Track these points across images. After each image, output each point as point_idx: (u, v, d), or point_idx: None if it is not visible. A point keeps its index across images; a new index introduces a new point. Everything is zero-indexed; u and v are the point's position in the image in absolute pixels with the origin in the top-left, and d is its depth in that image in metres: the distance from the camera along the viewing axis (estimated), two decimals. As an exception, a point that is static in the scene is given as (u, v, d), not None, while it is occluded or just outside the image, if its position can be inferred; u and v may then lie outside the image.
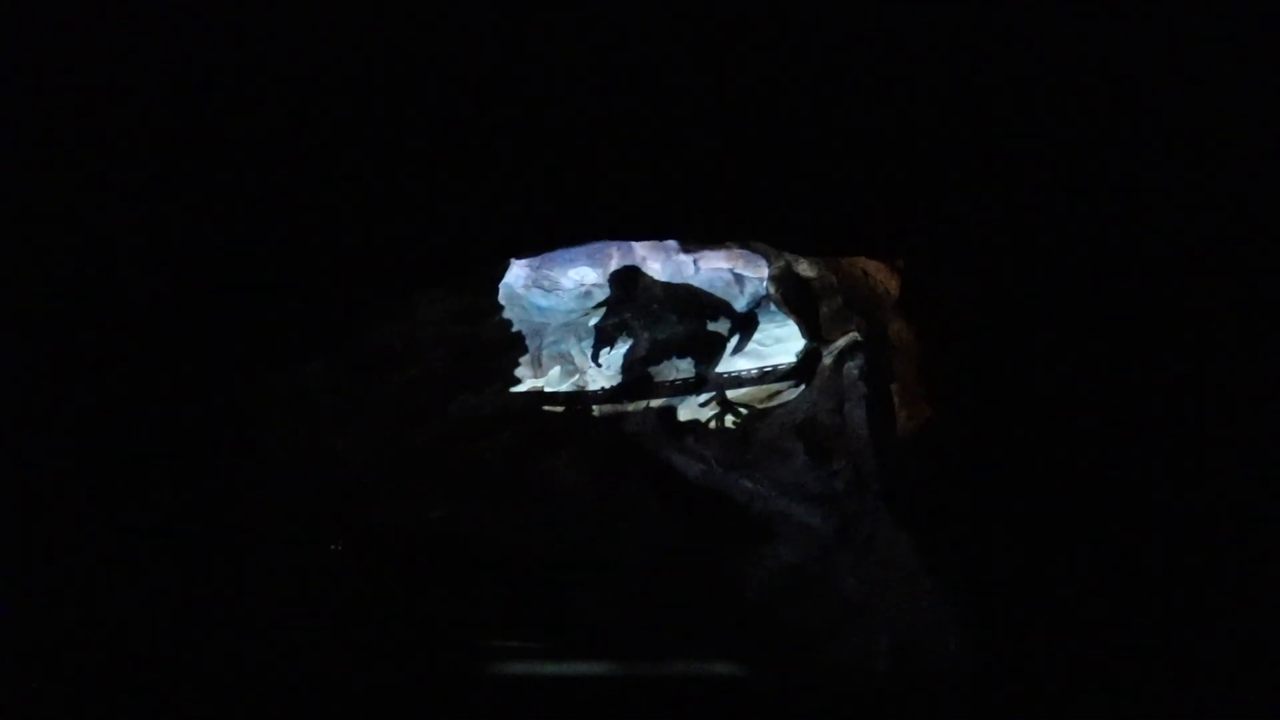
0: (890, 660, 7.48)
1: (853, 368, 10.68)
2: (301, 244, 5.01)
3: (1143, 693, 4.63)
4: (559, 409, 13.31)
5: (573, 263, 16.27)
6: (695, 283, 15.98)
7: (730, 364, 14.96)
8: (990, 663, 6.21)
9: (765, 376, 13.94)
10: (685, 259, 15.68)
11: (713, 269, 15.84)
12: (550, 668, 7.72)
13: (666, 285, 15.82)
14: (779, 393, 13.35)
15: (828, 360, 11.64)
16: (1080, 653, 5.10)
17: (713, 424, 12.96)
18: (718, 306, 15.79)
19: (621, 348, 15.28)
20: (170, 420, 5.40)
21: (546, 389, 15.06)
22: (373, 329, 10.06)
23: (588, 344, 15.97)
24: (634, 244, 15.77)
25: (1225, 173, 3.94)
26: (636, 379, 14.30)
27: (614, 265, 16.24)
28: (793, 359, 13.73)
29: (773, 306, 14.44)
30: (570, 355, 16.22)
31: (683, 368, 14.71)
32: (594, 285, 16.57)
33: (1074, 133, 4.23)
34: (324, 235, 5.06)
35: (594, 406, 13.49)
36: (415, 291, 9.65)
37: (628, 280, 15.78)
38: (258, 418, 7.62)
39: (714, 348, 15.14)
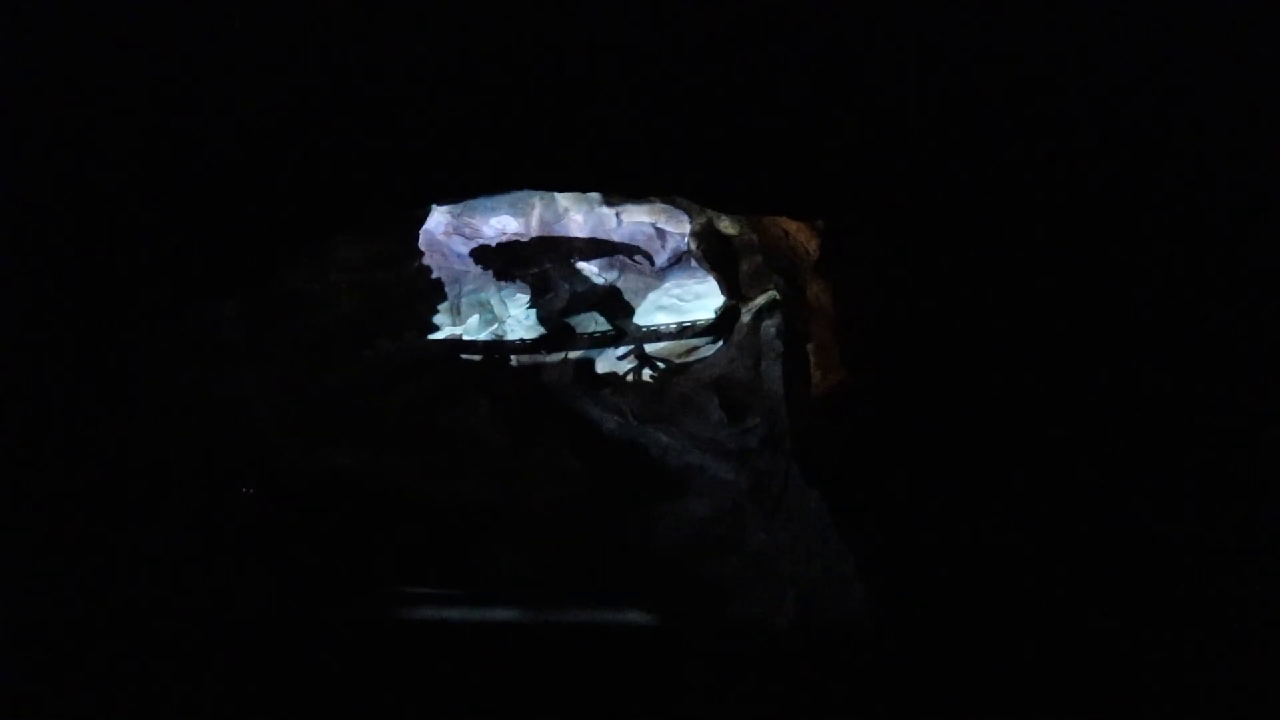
0: (795, 613, 7.67)
1: (770, 326, 10.81)
2: (216, 184, 4.87)
3: (1042, 647, 4.84)
4: (476, 358, 13.22)
5: (494, 211, 16.01)
6: (617, 236, 15.91)
7: (649, 318, 14.99)
8: (892, 618, 6.41)
9: (683, 332, 14.01)
10: (608, 212, 15.58)
11: (635, 223, 15.77)
12: (461, 617, 7.74)
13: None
14: (697, 348, 13.45)
15: (746, 318, 11.76)
16: (979, 607, 5.30)
17: (630, 377, 13.02)
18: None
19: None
20: (81, 361, 5.24)
21: (464, 337, 14.91)
22: (288, 272, 9.84)
23: (508, 293, 15.82)
24: (556, 195, 15.61)
25: (1147, 134, 4.07)
26: (555, 330, 14.25)
27: (536, 215, 16.06)
28: (711, 315, 13.83)
29: (693, 262, 14.49)
30: (489, 304, 16.06)
31: (601, 320, 14.70)
32: (515, 234, 16.37)
33: (995, 96, 4.31)
34: (239, 176, 4.92)
35: (512, 356, 13.42)
36: (332, 235, 9.46)
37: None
38: (169, 360, 7.43)
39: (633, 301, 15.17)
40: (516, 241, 16.03)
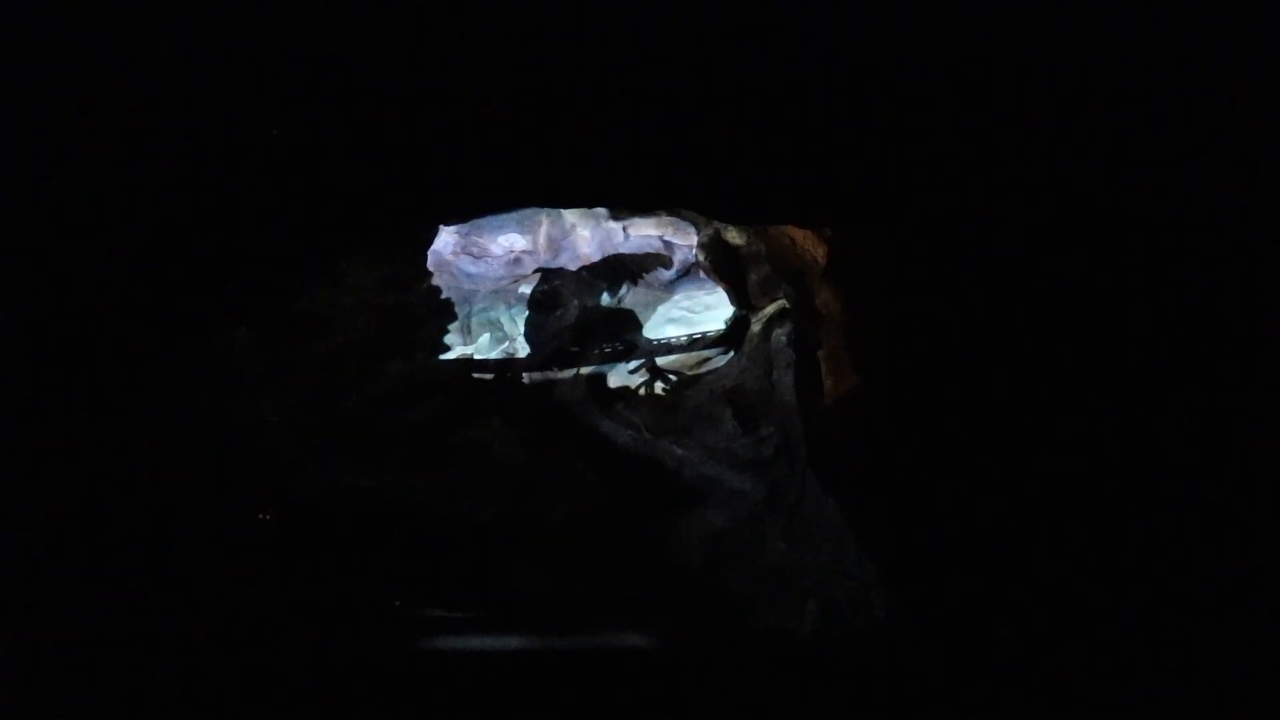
0: (817, 623, 7.63)
1: (780, 335, 10.78)
2: (227, 210, 4.90)
3: (1058, 652, 4.80)
4: (488, 376, 13.24)
5: (502, 229, 16.06)
6: (624, 250, 15.94)
7: (660, 331, 15.00)
8: (913, 626, 6.37)
9: (694, 343, 14.00)
10: (615, 226, 15.61)
11: (642, 236, 15.80)
12: (480, 633, 7.73)
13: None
14: (708, 360, 13.43)
15: (756, 328, 11.74)
16: (1000, 613, 5.26)
17: (642, 391, 13.01)
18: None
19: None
20: (97, 388, 5.27)
21: (476, 356, 14.95)
22: (299, 295, 9.87)
23: (517, 311, 15.87)
24: (564, 211, 15.64)
25: (1155, 140, 4.06)
26: (566, 346, 14.27)
27: (544, 232, 16.12)
28: (721, 326, 13.81)
29: (701, 274, 14.49)
30: (500, 322, 16.11)
31: (612, 335, 14.71)
32: (523, 252, 16.42)
33: (1001, 103, 4.31)
34: (250, 202, 4.95)
35: (524, 374, 13.44)
36: (342, 258, 9.50)
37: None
38: (184, 385, 7.46)
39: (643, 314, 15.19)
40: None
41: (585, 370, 13.33)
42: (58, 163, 4.18)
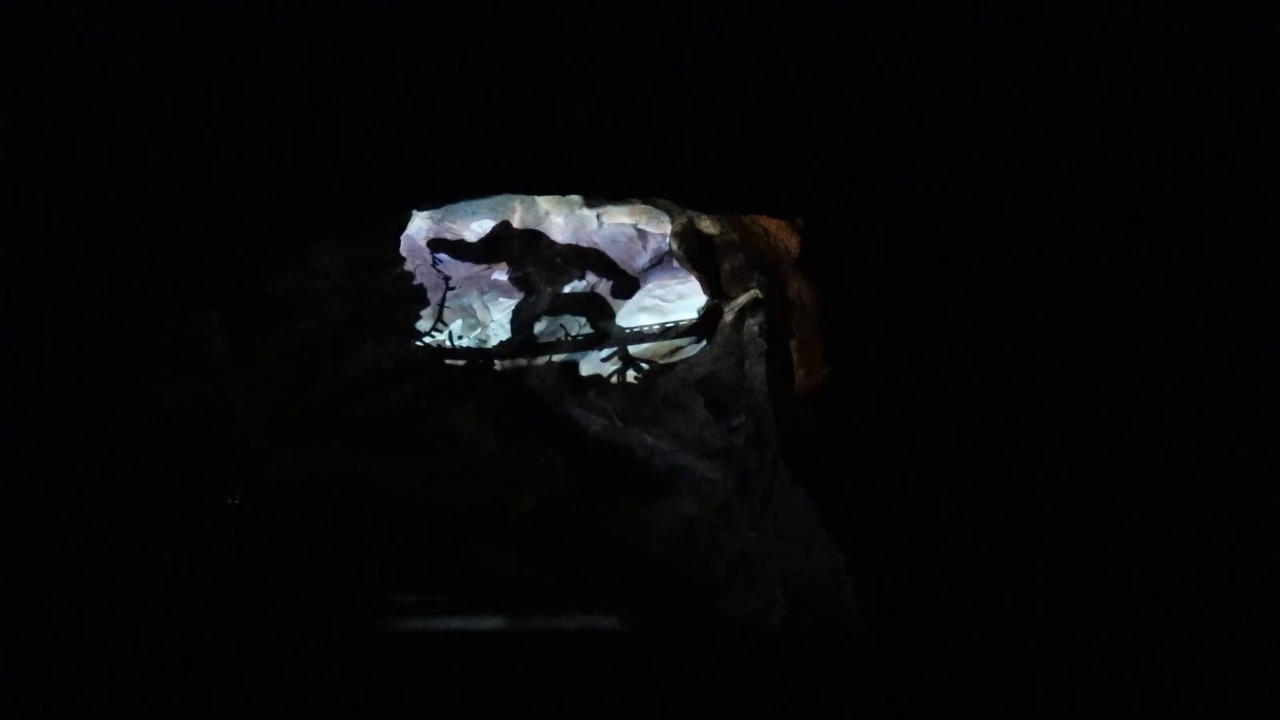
0: (786, 612, 7.69)
1: (753, 325, 10.82)
2: (195, 190, 4.86)
3: (1034, 643, 4.87)
4: (460, 363, 13.19)
5: (475, 215, 15.98)
6: (598, 238, 15.90)
7: (632, 319, 15.00)
8: (883, 616, 6.44)
9: (667, 332, 14.00)
10: (588, 214, 15.56)
11: (616, 224, 15.75)
12: (450, 621, 7.73)
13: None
14: (680, 348, 13.45)
15: (729, 317, 11.76)
16: (970, 602, 5.33)
17: (614, 379, 12.99)
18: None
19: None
20: (63, 374, 5.21)
21: (448, 343, 14.88)
22: (269, 279, 9.80)
23: (490, 297, 15.80)
24: (537, 198, 15.58)
25: (1130, 131, 4.11)
26: (538, 333, 14.24)
27: (517, 219, 16.05)
28: (694, 315, 13.83)
29: (674, 262, 14.50)
30: (472, 309, 16.03)
31: (584, 322, 14.69)
32: (496, 238, 16.35)
33: (974, 91, 4.34)
34: (218, 182, 4.90)
35: (496, 360, 13.40)
36: (313, 241, 9.44)
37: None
38: (152, 371, 7.39)
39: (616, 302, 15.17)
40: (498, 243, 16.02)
41: (557, 358, 13.32)
42: (20, 146, 4.13)
